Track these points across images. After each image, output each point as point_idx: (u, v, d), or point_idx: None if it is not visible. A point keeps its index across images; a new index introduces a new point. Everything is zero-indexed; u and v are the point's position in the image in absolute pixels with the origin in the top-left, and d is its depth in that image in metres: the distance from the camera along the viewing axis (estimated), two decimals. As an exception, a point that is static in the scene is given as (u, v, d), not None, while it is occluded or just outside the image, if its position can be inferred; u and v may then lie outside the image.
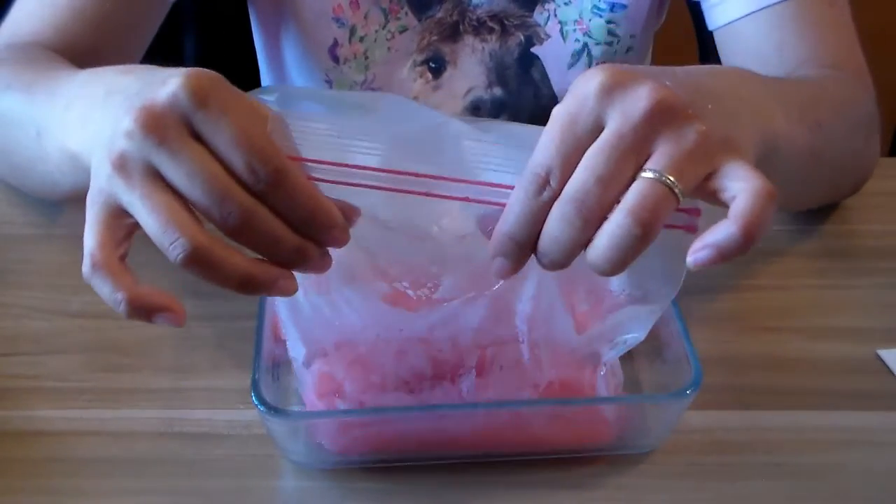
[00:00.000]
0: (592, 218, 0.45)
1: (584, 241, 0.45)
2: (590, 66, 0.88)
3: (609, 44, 0.87)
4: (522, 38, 0.87)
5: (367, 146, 0.49)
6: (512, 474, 0.56)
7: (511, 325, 0.55)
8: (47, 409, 0.60)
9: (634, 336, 0.55)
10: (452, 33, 0.86)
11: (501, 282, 0.53)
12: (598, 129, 0.45)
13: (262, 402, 0.52)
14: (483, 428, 0.56)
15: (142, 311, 0.46)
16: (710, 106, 0.47)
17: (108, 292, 0.46)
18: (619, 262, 0.44)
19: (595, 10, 0.86)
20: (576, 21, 0.87)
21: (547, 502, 0.55)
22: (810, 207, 0.75)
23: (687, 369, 0.55)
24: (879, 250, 0.73)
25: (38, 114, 0.60)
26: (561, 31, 0.87)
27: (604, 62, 0.88)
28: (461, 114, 0.88)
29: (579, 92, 0.46)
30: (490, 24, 0.86)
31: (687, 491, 0.56)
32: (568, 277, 0.52)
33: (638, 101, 0.45)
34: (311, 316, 0.55)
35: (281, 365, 0.60)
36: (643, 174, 0.44)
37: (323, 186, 0.48)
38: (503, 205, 0.47)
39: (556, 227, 0.45)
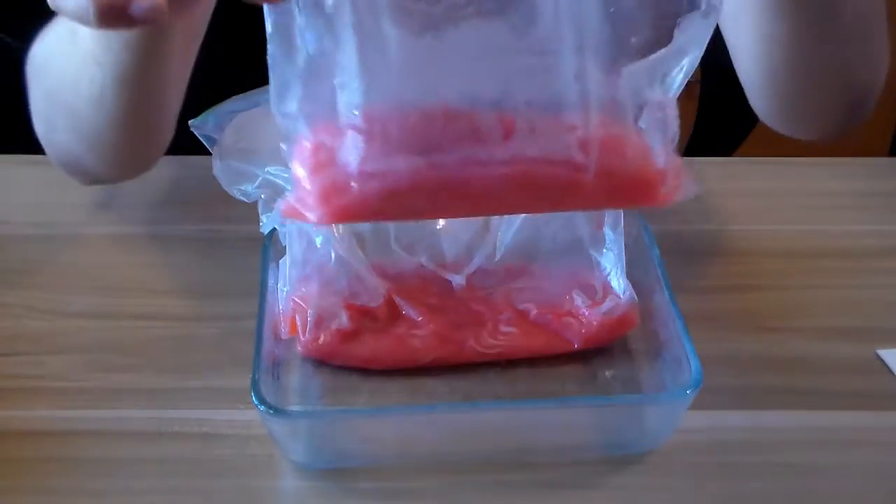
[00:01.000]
0: None
1: None
2: None
3: None
4: None
5: None
6: (512, 475, 0.56)
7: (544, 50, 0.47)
8: (47, 409, 0.60)
9: (692, 57, 0.49)
10: None
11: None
12: None
13: (262, 402, 0.52)
14: (511, 181, 0.48)
15: (113, 7, 0.41)
16: None
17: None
18: None
19: None
20: None
21: (547, 502, 0.55)
22: (821, 90, 0.70)
23: (687, 369, 0.54)
24: (879, 250, 0.73)
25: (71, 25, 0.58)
26: None
27: None
28: None
29: None
30: None
31: (687, 491, 0.56)
32: None
33: None
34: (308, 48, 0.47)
35: (281, 365, 0.60)
36: None
37: None
38: None
39: None
